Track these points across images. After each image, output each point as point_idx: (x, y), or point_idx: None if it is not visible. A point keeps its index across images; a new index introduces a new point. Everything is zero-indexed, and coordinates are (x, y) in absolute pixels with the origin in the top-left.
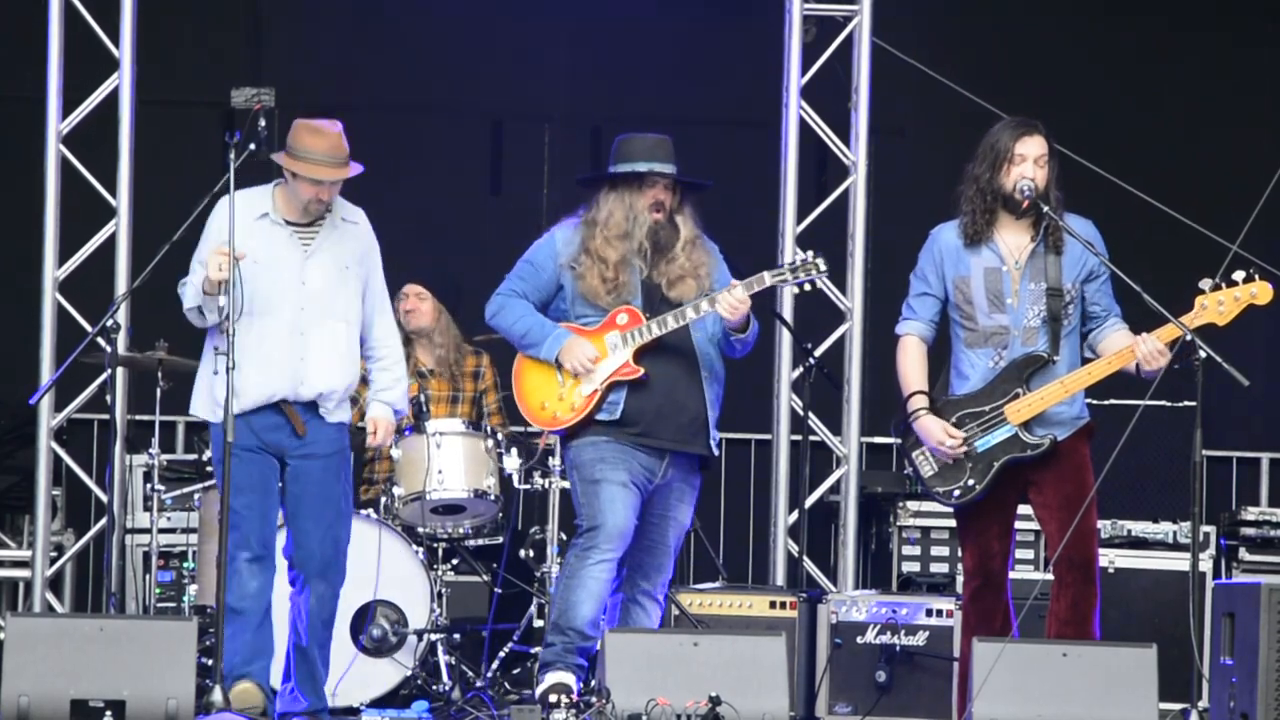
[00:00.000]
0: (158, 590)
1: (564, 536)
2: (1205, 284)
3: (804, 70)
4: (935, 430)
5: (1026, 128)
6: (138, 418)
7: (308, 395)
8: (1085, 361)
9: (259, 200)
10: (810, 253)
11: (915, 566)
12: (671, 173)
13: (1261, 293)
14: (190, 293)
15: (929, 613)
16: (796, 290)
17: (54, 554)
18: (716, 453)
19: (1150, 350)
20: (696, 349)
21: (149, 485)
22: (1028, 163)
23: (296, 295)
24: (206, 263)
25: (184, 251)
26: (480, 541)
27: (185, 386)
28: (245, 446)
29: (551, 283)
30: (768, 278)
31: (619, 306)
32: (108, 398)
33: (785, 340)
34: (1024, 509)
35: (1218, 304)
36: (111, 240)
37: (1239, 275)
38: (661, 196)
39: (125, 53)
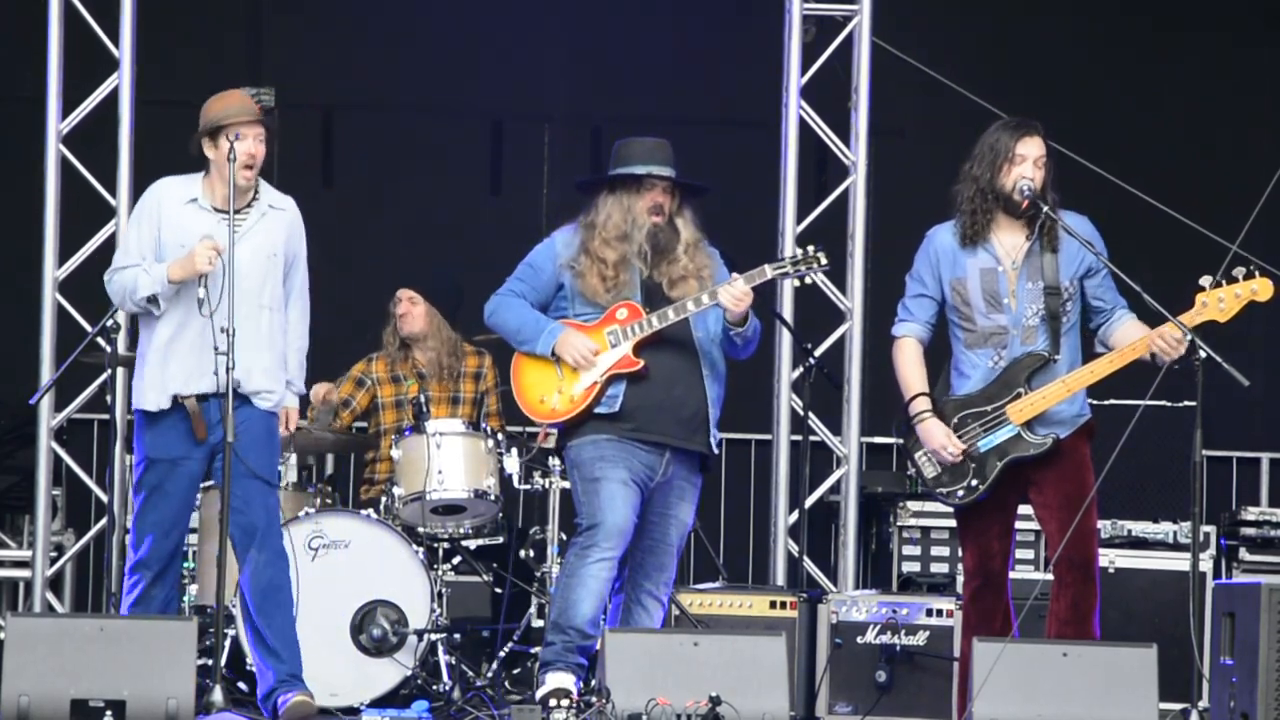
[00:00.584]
0: None
1: (564, 536)
2: (1205, 281)
3: (804, 70)
4: (938, 436)
5: (1026, 128)
6: None
7: (248, 387)
8: (1086, 359)
9: (188, 186)
10: (811, 246)
11: (915, 566)
12: (669, 175)
13: (1262, 289)
14: (145, 281)
15: (929, 613)
16: (798, 283)
17: (54, 554)
18: (717, 451)
19: (1169, 340)
20: (698, 346)
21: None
22: (1027, 163)
23: (224, 281)
24: (195, 250)
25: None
26: (480, 541)
27: None
28: (154, 458)
29: (551, 283)
30: (769, 270)
31: (619, 302)
32: (108, 398)
33: (785, 340)
34: (1024, 509)
35: (1218, 301)
36: (111, 240)
37: (1239, 272)
38: (660, 199)
39: (125, 53)
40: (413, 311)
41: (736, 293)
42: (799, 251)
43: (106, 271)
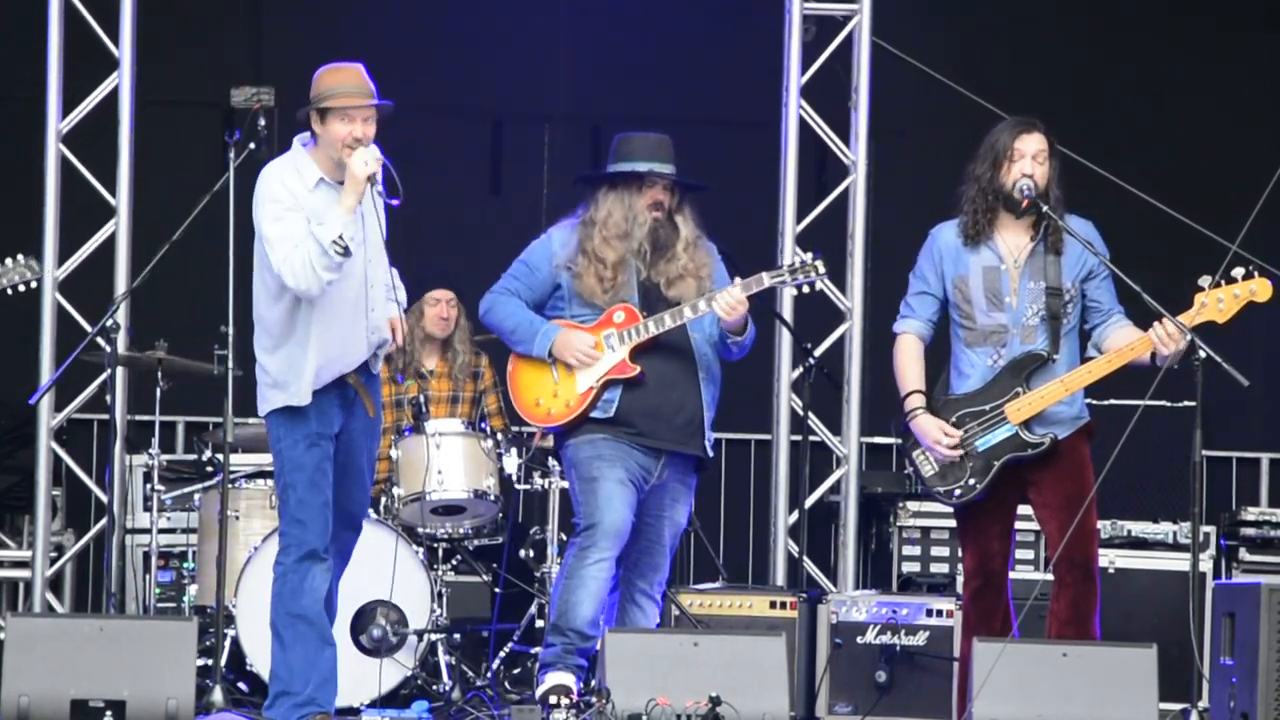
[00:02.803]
0: (158, 590)
1: (564, 536)
2: (1204, 281)
3: (804, 70)
4: (932, 430)
5: (1025, 125)
6: (138, 418)
7: (377, 365)
8: (1085, 360)
9: (304, 168)
10: (810, 254)
11: (915, 566)
12: (671, 173)
13: (1261, 289)
14: (329, 229)
15: (929, 613)
16: (795, 292)
17: (54, 554)
18: (712, 454)
19: (1170, 331)
20: (694, 349)
21: (149, 485)
22: (1026, 159)
23: (361, 259)
24: (350, 168)
25: (184, 252)
26: (480, 541)
27: (185, 386)
28: (321, 433)
29: (547, 283)
30: (766, 279)
31: (616, 304)
32: (108, 398)
33: (785, 340)
34: (1024, 509)
35: (1217, 301)
36: (111, 240)
37: (1238, 272)
38: (660, 197)
39: (125, 53)
40: (453, 314)
41: (732, 300)
42: (797, 260)
43: (278, 263)
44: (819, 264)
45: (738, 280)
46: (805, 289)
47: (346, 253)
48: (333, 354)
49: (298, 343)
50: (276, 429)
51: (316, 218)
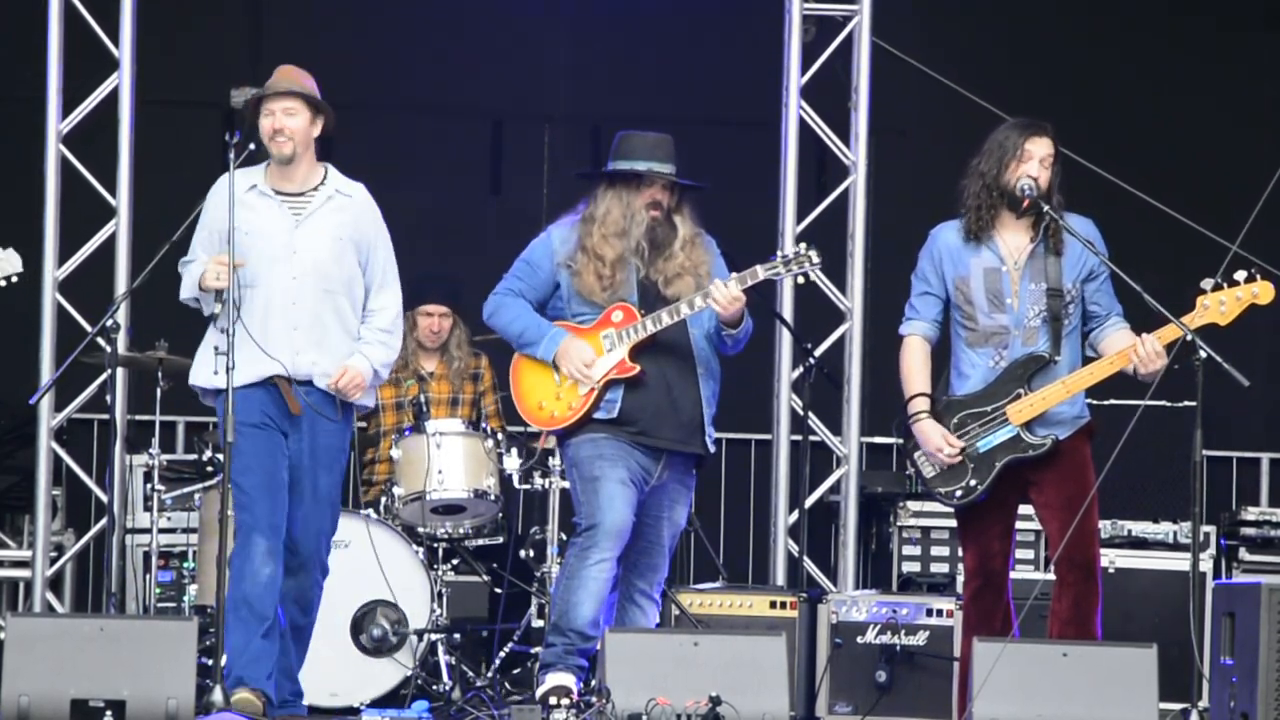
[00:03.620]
0: (158, 590)
1: (564, 536)
2: (1206, 284)
3: (804, 70)
4: (934, 437)
5: (1037, 128)
6: (138, 418)
7: (303, 369)
8: (1087, 361)
9: (251, 175)
10: (803, 245)
11: (915, 566)
12: (670, 173)
13: (1263, 292)
14: (188, 283)
15: (929, 613)
16: (792, 283)
17: (54, 554)
18: (713, 450)
19: (1149, 351)
20: (694, 346)
21: (149, 485)
22: (1034, 161)
23: (288, 265)
24: (206, 266)
25: (184, 252)
26: (480, 541)
27: (185, 386)
28: (250, 422)
29: (548, 281)
30: (760, 271)
31: (615, 304)
32: (108, 398)
33: (785, 340)
34: (1024, 509)
35: (1219, 304)
36: (111, 240)
37: (1240, 275)
38: (659, 196)
39: (125, 53)
40: (444, 326)
41: (729, 295)
42: (790, 250)
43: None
44: (812, 254)
45: (733, 275)
46: (800, 279)
47: (202, 308)
48: (253, 355)
49: (225, 332)
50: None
51: (245, 225)
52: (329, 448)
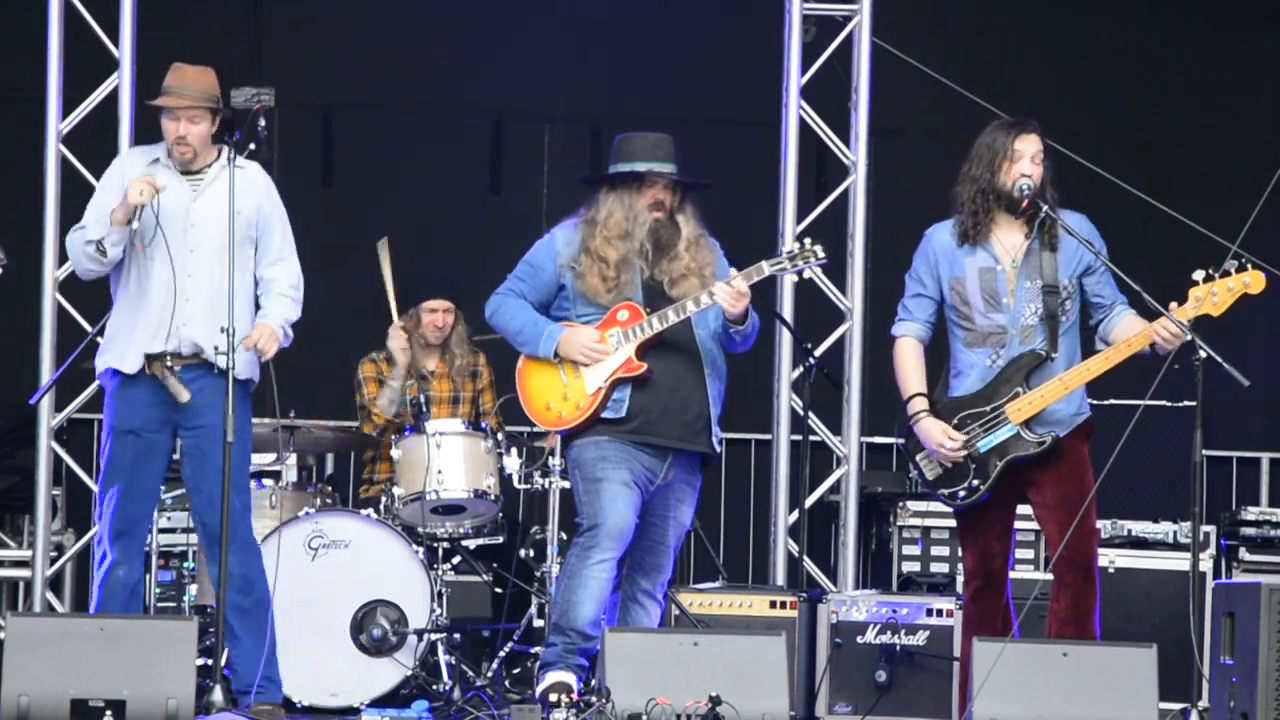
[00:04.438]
0: (158, 590)
1: (564, 536)
2: (1198, 275)
3: (804, 70)
4: (935, 433)
5: (1022, 126)
6: None
7: (187, 343)
8: (1085, 356)
9: (153, 150)
10: (808, 239)
11: (915, 566)
12: (671, 172)
13: (1254, 281)
14: (93, 228)
15: (929, 613)
16: (796, 278)
17: (54, 554)
18: (719, 450)
19: (1170, 330)
20: (700, 345)
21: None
22: (1025, 160)
23: (183, 238)
24: (126, 190)
25: None
26: (480, 541)
27: None
28: (117, 427)
29: (552, 283)
30: (766, 267)
31: (620, 303)
32: None
33: (785, 340)
34: (1024, 509)
35: (1210, 295)
36: None
37: (1230, 265)
38: (661, 196)
39: (125, 53)
40: (448, 321)
41: (734, 291)
42: (795, 246)
43: (68, 234)
44: (817, 249)
45: (735, 271)
46: (805, 274)
47: (104, 254)
48: (133, 338)
49: (117, 313)
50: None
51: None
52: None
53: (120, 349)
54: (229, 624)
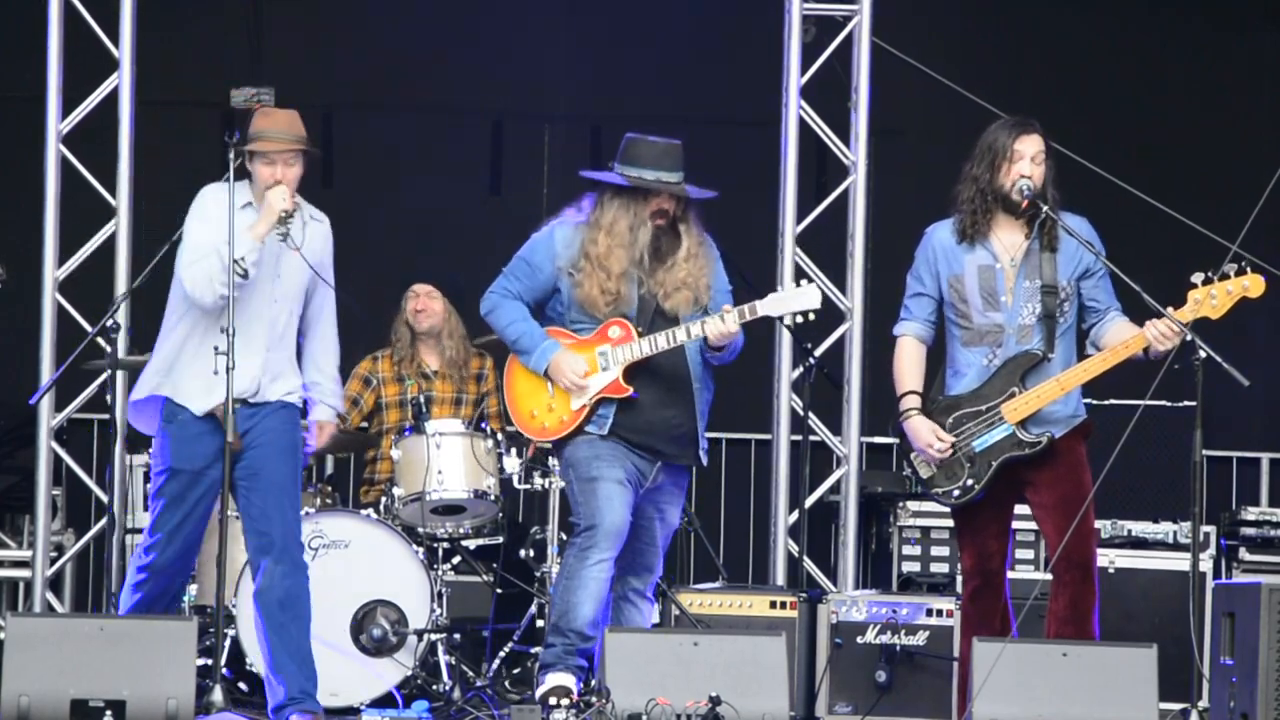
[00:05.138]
0: None
1: (564, 536)
2: (1197, 278)
3: (804, 70)
4: (924, 432)
5: (1024, 126)
6: None
7: (274, 394)
8: (1082, 358)
9: (241, 191)
10: (804, 280)
11: (915, 566)
12: (678, 183)
13: (1254, 284)
14: (240, 245)
15: (929, 613)
16: (790, 325)
17: (54, 554)
18: (705, 461)
19: (1162, 330)
20: (689, 362)
21: (149, 485)
22: (1025, 160)
23: (270, 287)
24: (267, 200)
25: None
26: (480, 541)
27: None
28: (177, 469)
29: (548, 285)
30: (760, 308)
31: (613, 318)
32: (108, 398)
33: (785, 340)
34: (1023, 509)
35: (1210, 297)
36: (111, 240)
37: (1230, 268)
38: (665, 205)
39: (125, 53)
40: (431, 306)
41: (724, 330)
42: (791, 289)
43: (181, 267)
44: (813, 289)
45: (728, 309)
46: (799, 319)
47: (246, 275)
48: (210, 380)
49: (185, 362)
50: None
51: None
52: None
53: (189, 386)
54: (266, 638)
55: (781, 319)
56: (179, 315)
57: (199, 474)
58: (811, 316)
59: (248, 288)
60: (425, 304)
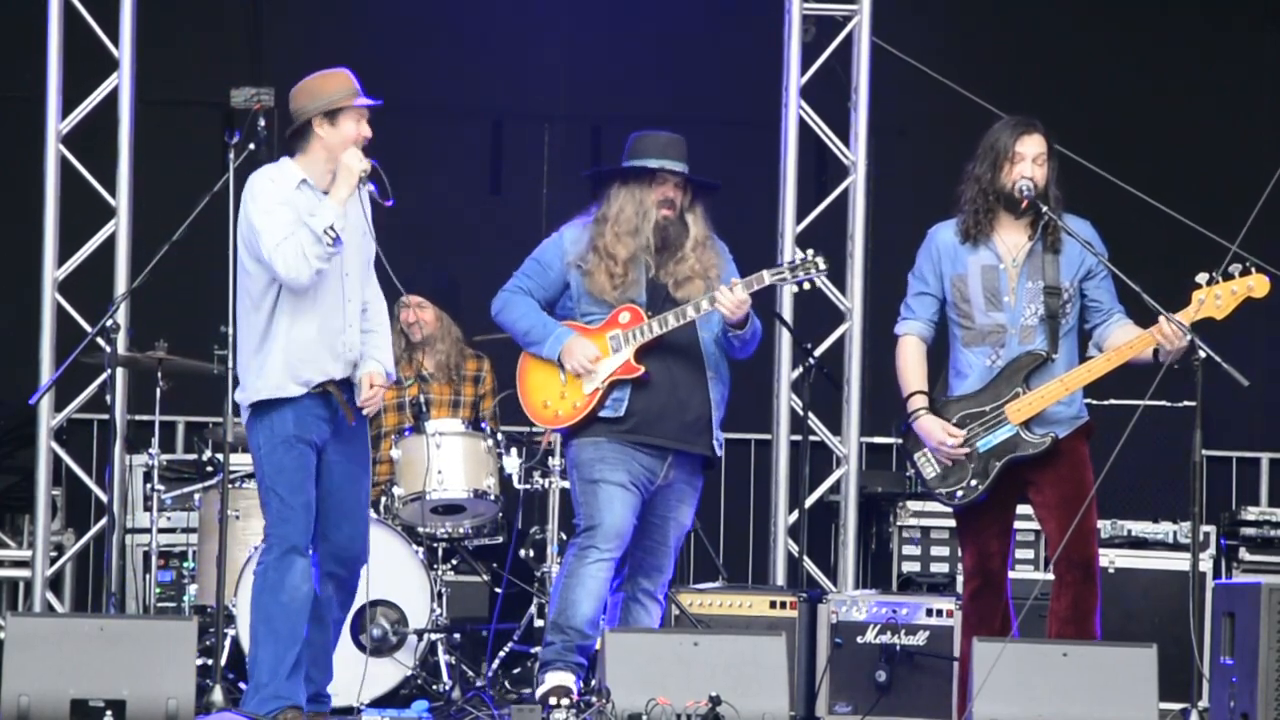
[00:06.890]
0: (158, 590)
1: (564, 536)
2: (1201, 278)
3: (804, 70)
4: (935, 430)
5: (1026, 126)
6: (138, 418)
7: (357, 371)
8: (1085, 360)
9: (290, 171)
10: (810, 251)
11: (915, 566)
12: (682, 170)
13: (1258, 285)
14: (322, 218)
15: (929, 613)
16: (796, 289)
17: (54, 554)
18: (720, 453)
19: (1173, 330)
20: (703, 348)
21: (149, 485)
22: (1026, 161)
23: (339, 262)
24: (344, 163)
25: (184, 251)
26: (480, 541)
27: (185, 386)
28: (299, 436)
29: (558, 281)
30: (767, 276)
31: (623, 304)
32: (108, 398)
33: (785, 340)
34: (1024, 509)
35: (1214, 298)
36: (111, 240)
37: (1235, 268)
38: (671, 194)
39: (125, 53)
40: (423, 317)
41: (734, 299)
42: (797, 256)
43: (269, 250)
44: (819, 260)
45: (736, 280)
46: (806, 285)
47: (337, 241)
48: (305, 356)
49: (276, 345)
50: (256, 435)
51: (305, 214)
52: (358, 447)
53: (293, 372)
54: (313, 640)
55: (784, 284)
56: (264, 311)
57: (312, 446)
58: (820, 283)
59: (332, 265)
60: (417, 315)
